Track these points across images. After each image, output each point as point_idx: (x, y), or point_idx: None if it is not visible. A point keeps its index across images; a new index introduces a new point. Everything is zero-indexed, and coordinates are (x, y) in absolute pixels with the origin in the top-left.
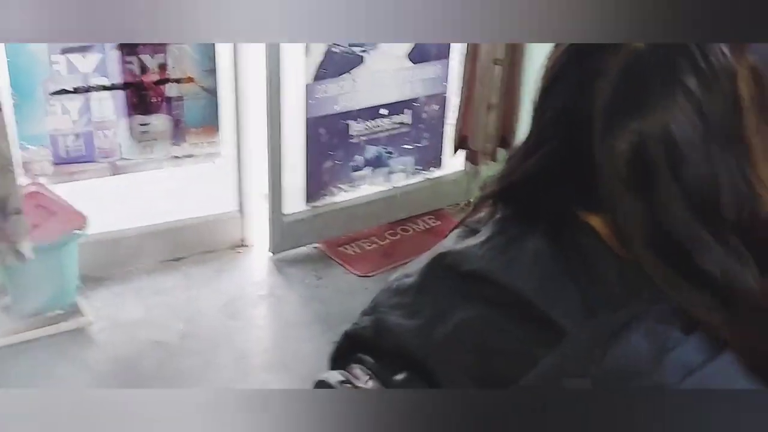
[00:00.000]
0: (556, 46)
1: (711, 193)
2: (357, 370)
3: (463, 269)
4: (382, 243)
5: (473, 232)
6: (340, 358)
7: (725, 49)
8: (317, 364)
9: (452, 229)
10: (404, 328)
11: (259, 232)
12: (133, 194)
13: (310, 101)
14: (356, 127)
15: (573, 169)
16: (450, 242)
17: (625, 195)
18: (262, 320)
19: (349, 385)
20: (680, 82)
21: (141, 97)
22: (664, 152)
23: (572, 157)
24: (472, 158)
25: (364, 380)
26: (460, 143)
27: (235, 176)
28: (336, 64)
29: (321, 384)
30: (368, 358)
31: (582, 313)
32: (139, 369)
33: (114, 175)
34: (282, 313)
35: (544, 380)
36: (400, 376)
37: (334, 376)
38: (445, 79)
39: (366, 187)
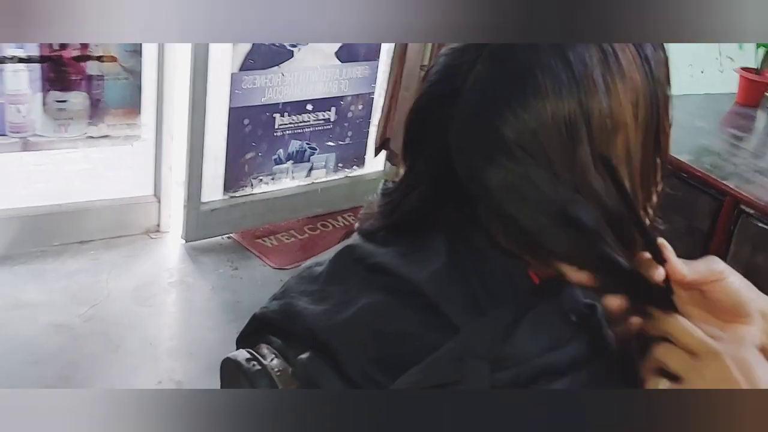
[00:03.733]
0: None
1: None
2: (264, 349)
3: (369, 262)
4: (300, 237)
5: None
6: (247, 339)
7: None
8: (223, 354)
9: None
10: (311, 312)
11: (175, 218)
12: (45, 172)
13: (236, 91)
14: (281, 121)
15: (454, 193)
16: (358, 238)
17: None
18: (172, 307)
19: (254, 363)
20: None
21: (59, 72)
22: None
23: (450, 185)
24: (392, 159)
25: (270, 358)
26: (382, 144)
27: (153, 160)
28: (264, 56)
29: (228, 362)
30: (276, 339)
31: (471, 307)
32: (39, 351)
33: (25, 151)
34: (192, 301)
35: (445, 363)
36: (303, 356)
37: (242, 354)
38: (373, 80)
39: (287, 181)
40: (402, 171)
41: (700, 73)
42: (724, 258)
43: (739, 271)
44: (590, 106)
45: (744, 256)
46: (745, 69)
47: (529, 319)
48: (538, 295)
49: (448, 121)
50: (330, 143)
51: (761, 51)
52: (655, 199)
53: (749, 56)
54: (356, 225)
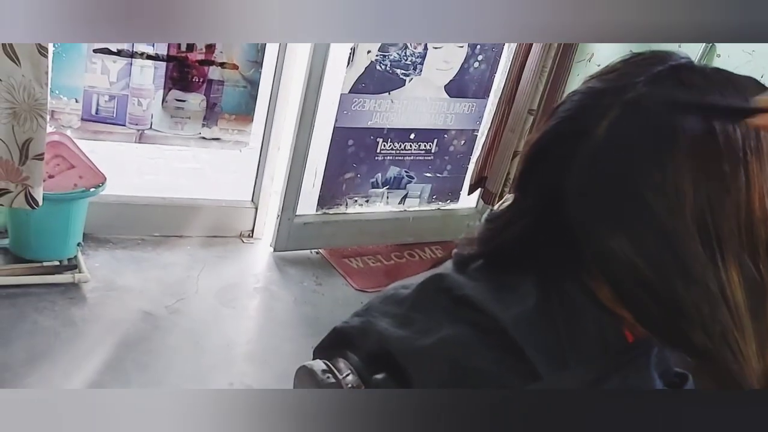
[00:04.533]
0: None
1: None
2: (340, 363)
3: (456, 293)
4: (386, 262)
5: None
6: (325, 350)
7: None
8: (296, 365)
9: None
10: (392, 335)
11: (268, 226)
12: (155, 165)
13: (344, 111)
14: (384, 146)
15: (557, 235)
16: (448, 267)
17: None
18: (253, 312)
19: (330, 375)
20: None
21: (183, 73)
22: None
23: (554, 226)
24: (486, 198)
25: (345, 373)
26: (478, 182)
27: (256, 168)
28: (376, 81)
29: (304, 370)
30: (353, 355)
31: (555, 357)
32: (124, 334)
33: (139, 142)
34: (273, 309)
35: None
36: (379, 376)
37: (318, 365)
38: (479, 117)
39: (380, 205)
40: (504, 204)
41: None
42: None
43: None
44: (724, 176)
45: None
46: None
47: (614, 380)
48: (628, 355)
49: (570, 161)
50: (428, 174)
51: None
52: None
53: None
54: (454, 250)
